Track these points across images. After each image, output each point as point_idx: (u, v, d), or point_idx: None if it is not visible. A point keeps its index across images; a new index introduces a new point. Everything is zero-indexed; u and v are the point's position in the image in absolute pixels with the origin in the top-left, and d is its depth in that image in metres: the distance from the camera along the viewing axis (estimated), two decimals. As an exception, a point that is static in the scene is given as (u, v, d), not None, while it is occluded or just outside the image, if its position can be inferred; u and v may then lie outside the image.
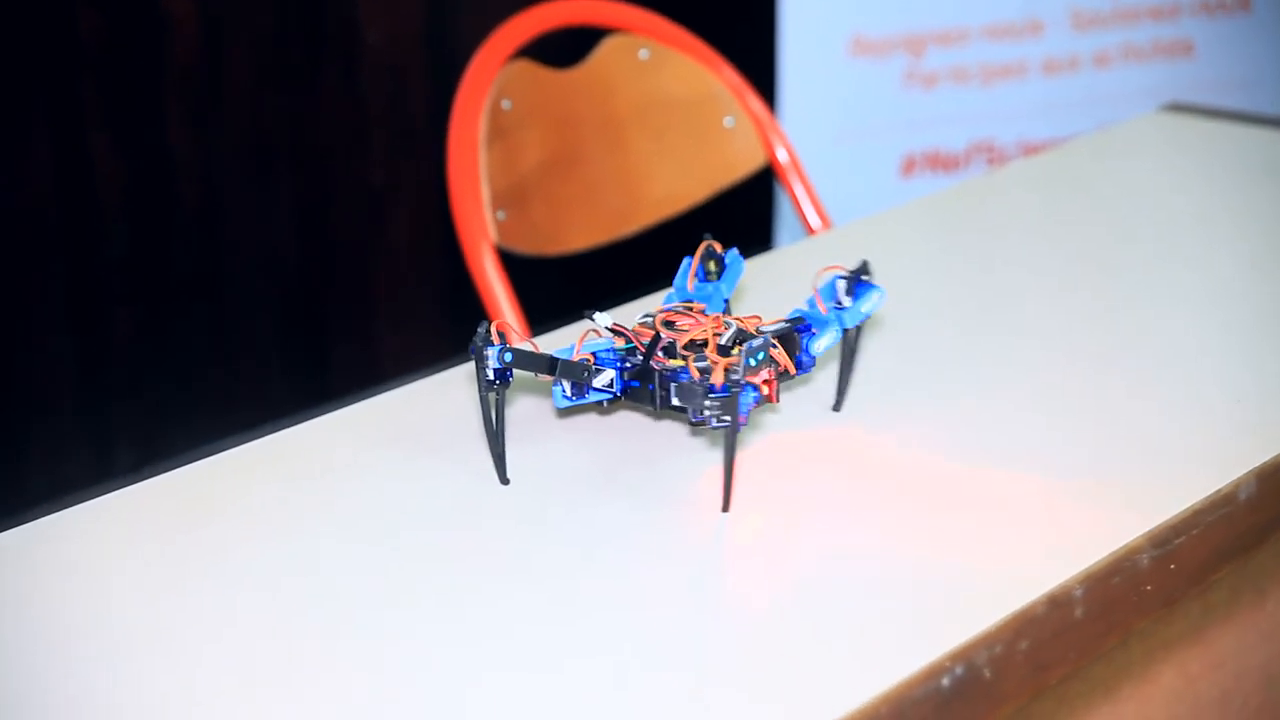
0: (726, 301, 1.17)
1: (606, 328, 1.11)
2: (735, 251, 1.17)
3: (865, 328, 1.32)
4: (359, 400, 1.21)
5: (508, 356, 1.05)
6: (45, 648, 0.94)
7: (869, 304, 1.14)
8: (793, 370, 1.09)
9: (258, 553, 1.02)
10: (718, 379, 1.04)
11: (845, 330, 1.14)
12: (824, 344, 1.11)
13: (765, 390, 1.07)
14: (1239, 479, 1.08)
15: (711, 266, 1.18)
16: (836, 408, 1.17)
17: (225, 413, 2.66)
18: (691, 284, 1.17)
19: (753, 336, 1.09)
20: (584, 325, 1.11)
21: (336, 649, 0.93)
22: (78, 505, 1.08)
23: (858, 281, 1.15)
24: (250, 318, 2.70)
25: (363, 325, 2.81)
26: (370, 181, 2.76)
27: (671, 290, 1.18)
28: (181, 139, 2.57)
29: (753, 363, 1.04)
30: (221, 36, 2.57)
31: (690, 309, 1.12)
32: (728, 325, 1.09)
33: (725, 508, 1.05)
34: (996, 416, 1.19)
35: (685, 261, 1.17)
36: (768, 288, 1.43)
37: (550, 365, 1.07)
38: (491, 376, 1.05)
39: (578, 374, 1.08)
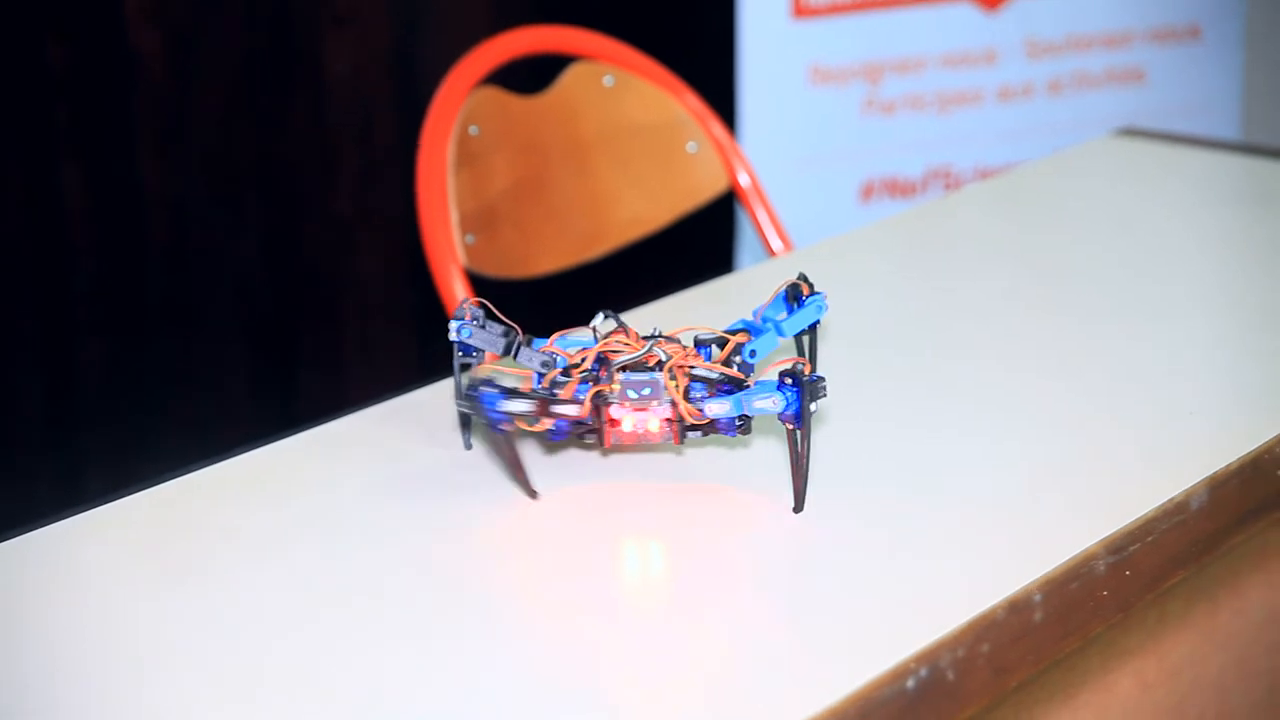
0: (784, 338, 1.15)
1: (608, 328, 1.13)
2: (821, 296, 1.14)
3: (824, 339, 1.36)
4: (327, 421, 1.23)
5: (466, 332, 1.10)
6: (20, 668, 0.96)
7: (809, 314, 1.14)
8: (686, 415, 1.09)
9: (241, 568, 1.05)
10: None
11: (797, 336, 1.16)
12: (761, 348, 1.12)
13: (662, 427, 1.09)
14: (1191, 488, 1.12)
15: (795, 304, 1.16)
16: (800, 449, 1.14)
17: (194, 442, 2.67)
18: (760, 314, 1.16)
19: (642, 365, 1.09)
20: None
21: (326, 663, 0.95)
22: (48, 526, 1.09)
23: (800, 294, 1.16)
24: (219, 347, 2.71)
25: (331, 354, 2.82)
26: (338, 211, 2.78)
27: (748, 316, 1.18)
28: (150, 170, 2.58)
29: (634, 394, 1.07)
30: (189, 68, 2.59)
31: (630, 337, 1.13)
32: (652, 353, 1.11)
33: (799, 508, 1.08)
34: (956, 429, 1.22)
35: (781, 294, 1.16)
36: (729, 308, 1.47)
37: (507, 347, 1.10)
38: (455, 340, 1.09)
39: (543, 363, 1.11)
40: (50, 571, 1.05)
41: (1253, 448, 1.17)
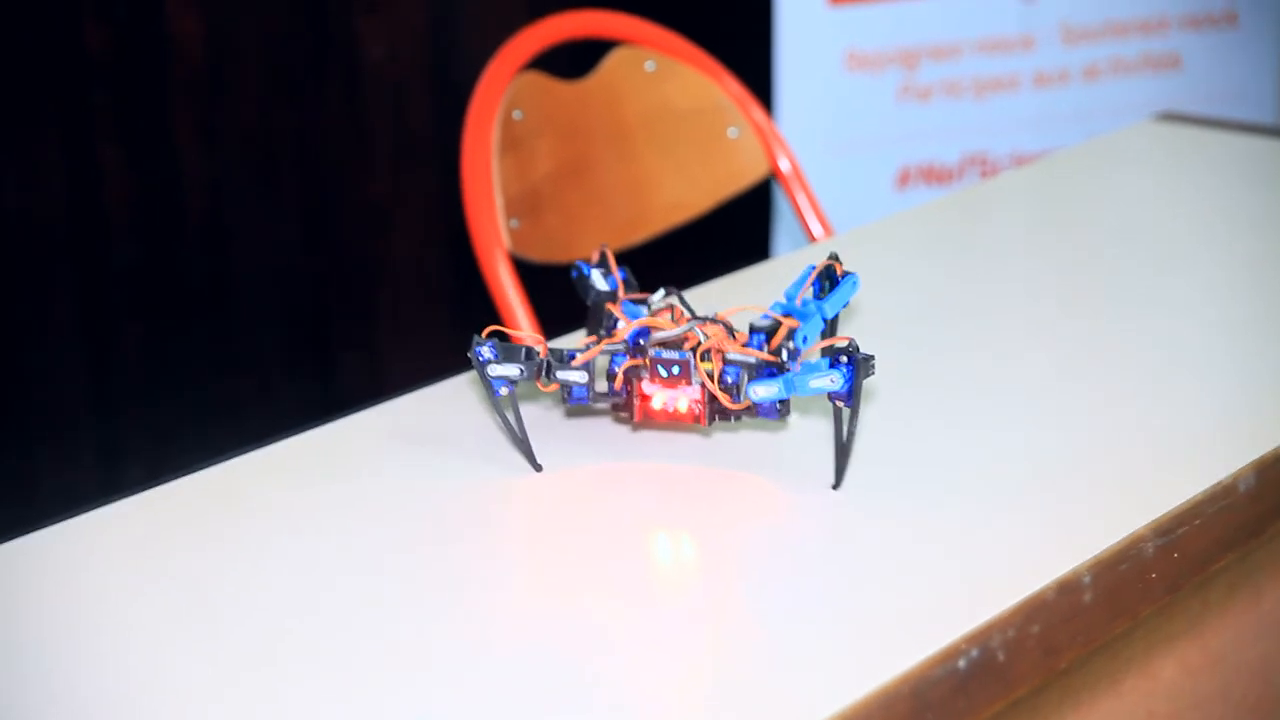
0: (827, 320, 1.16)
1: (661, 305, 1.14)
2: (854, 275, 1.16)
3: (862, 323, 1.36)
4: (366, 408, 1.24)
5: (491, 353, 1.10)
6: (59, 652, 0.97)
7: (846, 292, 1.14)
8: (720, 398, 1.09)
9: (290, 551, 1.06)
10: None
11: (827, 320, 1.15)
12: (810, 332, 1.12)
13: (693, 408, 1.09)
14: (1238, 471, 1.12)
15: (826, 285, 1.17)
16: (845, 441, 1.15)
17: (232, 425, 2.69)
18: (800, 298, 1.16)
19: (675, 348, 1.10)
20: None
21: (380, 648, 0.96)
22: (89, 512, 1.10)
23: (834, 275, 1.16)
24: (256, 330, 2.73)
25: (368, 337, 2.84)
26: (374, 194, 2.79)
27: (780, 299, 1.18)
28: (188, 153, 2.60)
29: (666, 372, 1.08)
30: (227, 52, 2.60)
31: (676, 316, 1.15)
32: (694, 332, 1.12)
33: (838, 484, 1.09)
34: (1002, 414, 1.23)
35: (805, 271, 1.16)
36: (772, 293, 1.47)
37: (540, 369, 1.11)
38: (493, 375, 1.09)
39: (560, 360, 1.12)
40: (92, 556, 1.06)
41: (1299, 432, 1.18)
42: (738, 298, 1.28)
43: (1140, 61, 2.87)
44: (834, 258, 1.17)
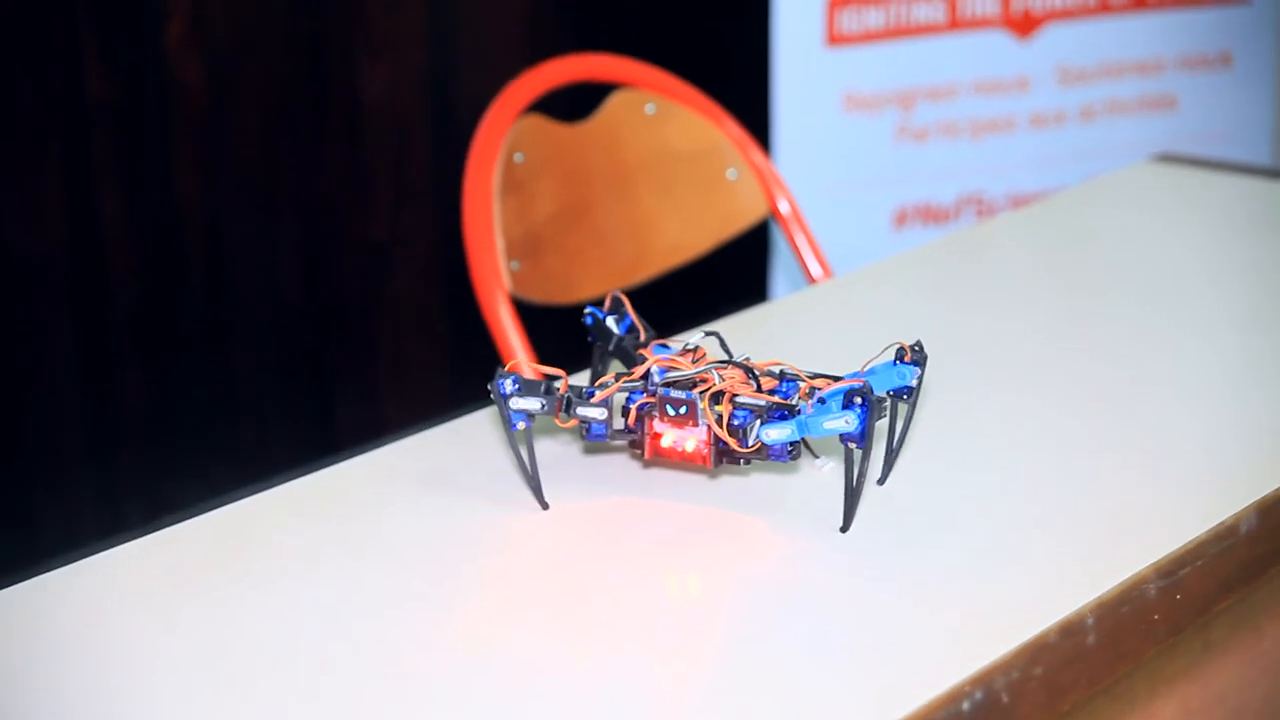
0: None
1: (690, 346, 1.15)
2: (913, 368, 1.13)
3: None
4: (369, 449, 1.25)
5: (516, 387, 1.10)
6: (60, 698, 0.97)
7: (895, 377, 1.12)
8: (728, 441, 1.10)
9: (296, 594, 1.06)
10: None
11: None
12: (776, 435, 1.10)
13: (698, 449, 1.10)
14: (1240, 512, 1.13)
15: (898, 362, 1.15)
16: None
17: (231, 466, 2.69)
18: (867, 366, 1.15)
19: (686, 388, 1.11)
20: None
21: (388, 690, 0.96)
22: (91, 557, 1.09)
23: (903, 356, 1.14)
24: (256, 372, 2.73)
25: (366, 379, 2.84)
26: (373, 236, 2.80)
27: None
28: (189, 196, 2.61)
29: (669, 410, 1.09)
30: (227, 96, 2.61)
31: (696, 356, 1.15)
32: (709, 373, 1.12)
33: (846, 527, 1.09)
34: (1004, 456, 1.23)
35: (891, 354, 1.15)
36: (772, 333, 1.48)
37: (563, 404, 1.12)
38: (514, 409, 1.10)
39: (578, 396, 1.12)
40: (97, 601, 1.06)
41: (1300, 472, 1.18)
42: (737, 339, 1.29)
43: (1136, 102, 2.88)
44: (915, 345, 1.15)
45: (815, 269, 1.82)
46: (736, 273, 2.67)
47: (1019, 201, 2.83)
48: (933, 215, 2.83)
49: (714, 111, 1.83)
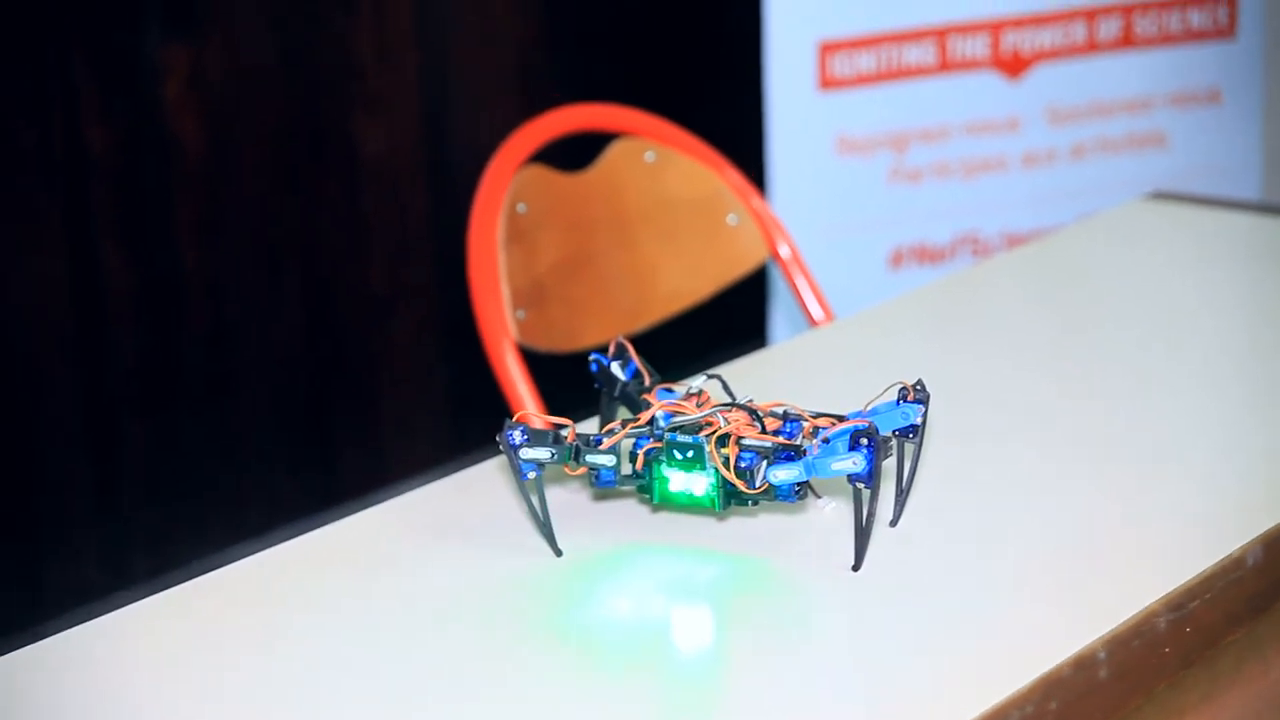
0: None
1: (694, 390, 1.17)
2: (916, 406, 1.15)
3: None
4: (371, 504, 1.25)
5: (525, 437, 1.12)
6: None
7: (898, 417, 1.14)
8: (735, 483, 1.11)
9: (307, 648, 1.07)
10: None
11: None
12: (783, 476, 1.12)
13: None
14: (1247, 545, 1.14)
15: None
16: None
17: (235, 520, 2.70)
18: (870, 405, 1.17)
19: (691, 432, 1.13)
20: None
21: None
22: (100, 618, 1.10)
23: (905, 396, 1.16)
24: (258, 424, 2.74)
25: (368, 430, 2.85)
26: (373, 287, 2.82)
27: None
28: (189, 250, 2.63)
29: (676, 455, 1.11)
30: (226, 151, 2.64)
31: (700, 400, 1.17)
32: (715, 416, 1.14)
33: (858, 566, 1.11)
34: (1012, 494, 1.24)
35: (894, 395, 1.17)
36: (772, 376, 1.50)
37: (570, 453, 1.13)
38: (524, 459, 1.11)
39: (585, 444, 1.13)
40: (106, 663, 1.06)
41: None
42: (740, 382, 1.30)
43: (1126, 140, 2.91)
44: (917, 384, 1.16)
45: (816, 312, 1.84)
46: (737, 317, 2.69)
47: (1013, 240, 2.85)
48: (928, 255, 2.85)
49: (713, 158, 1.85)
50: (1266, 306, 1.71)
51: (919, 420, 1.15)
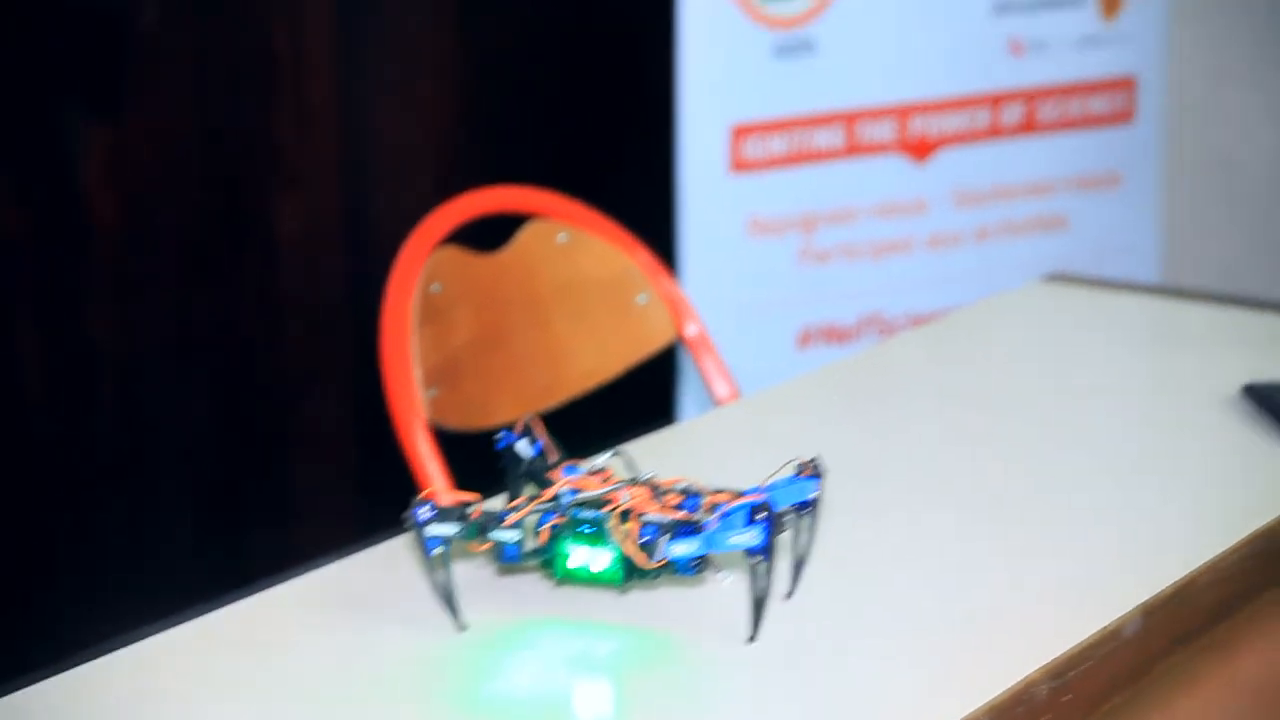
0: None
1: (600, 467, 1.21)
2: (815, 480, 1.20)
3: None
4: (285, 579, 1.28)
5: (431, 514, 1.15)
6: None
7: (796, 492, 1.19)
8: (635, 558, 1.15)
9: None
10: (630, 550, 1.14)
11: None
12: (682, 550, 1.16)
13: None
14: (1125, 615, 1.19)
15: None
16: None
17: (144, 600, 2.69)
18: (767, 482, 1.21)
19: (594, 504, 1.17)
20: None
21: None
22: (2, 699, 1.10)
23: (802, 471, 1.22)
24: (169, 506, 2.75)
25: (280, 509, 2.86)
26: (286, 367, 2.84)
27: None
28: (104, 330, 2.64)
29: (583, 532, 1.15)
30: (143, 230, 2.66)
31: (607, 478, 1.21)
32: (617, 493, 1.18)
33: (753, 637, 1.14)
34: (902, 568, 1.29)
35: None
36: (678, 454, 1.54)
37: (477, 529, 1.17)
38: (430, 535, 1.15)
39: (491, 522, 1.17)
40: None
41: (1182, 575, 1.25)
42: (647, 459, 1.34)
43: (1029, 222, 2.99)
44: (812, 461, 1.21)
45: (723, 390, 1.88)
46: (647, 395, 2.73)
47: (918, 321, 2.92)
48: (835, 335, 2.91)
49: (625, 239, 1.90)
50: (1157, 385, 1.78)
51: (814, 495, 1.20)
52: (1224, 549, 1.30)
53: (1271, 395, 1.57)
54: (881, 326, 2.92)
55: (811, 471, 1.20)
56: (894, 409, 1.70)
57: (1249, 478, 1.46)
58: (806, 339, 2.89)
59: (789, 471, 1.21)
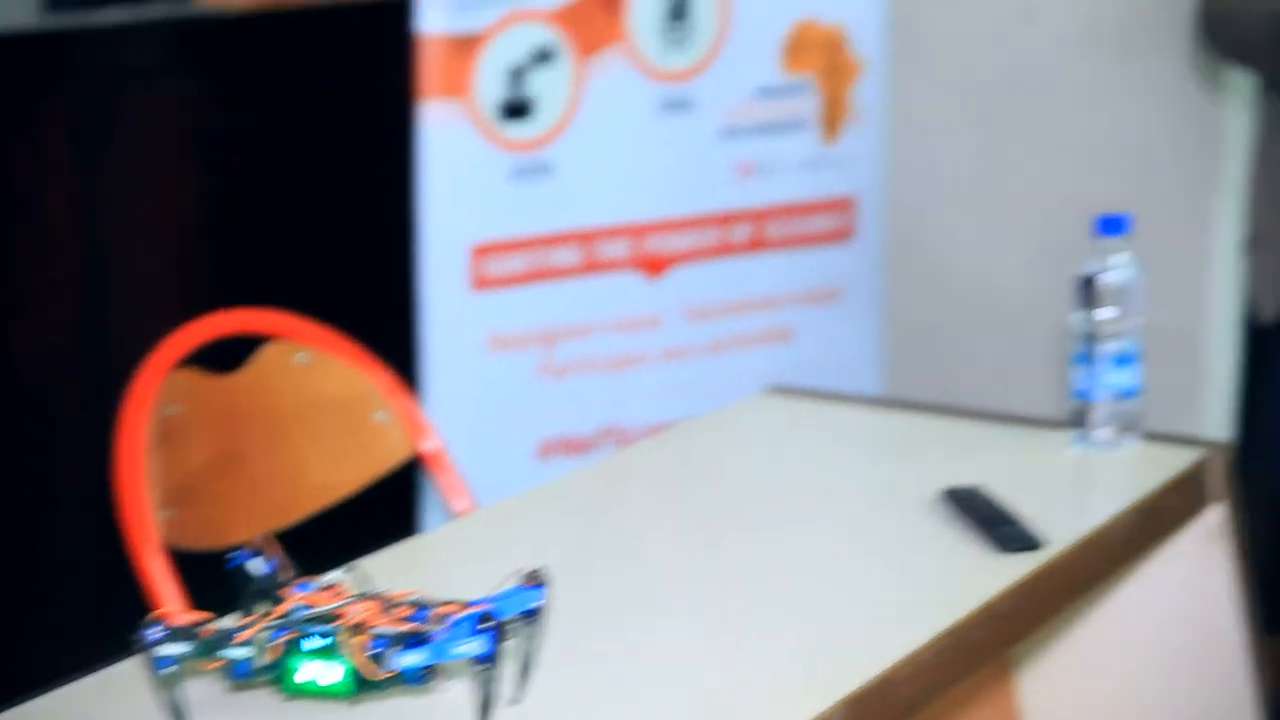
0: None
1: (333, 582, 1.26)
2: (539, 590, 1.27)
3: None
4: (18, 704, 1.29)
5: (162, 634, 1.19)
6: None
7: (519, 602, 1.27)
8: (364, 670, 1.20)
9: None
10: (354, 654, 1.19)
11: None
12: (410, 661, 1.21)
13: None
14: (829, 709, 1.28)
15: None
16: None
17: None
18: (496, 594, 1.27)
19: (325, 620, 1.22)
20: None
21: None
22: None
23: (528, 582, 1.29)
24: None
25: (13, 635, 2.81)
26: (21, 490, 2.80)
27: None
28: None
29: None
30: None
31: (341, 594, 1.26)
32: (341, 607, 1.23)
33: None
34: (626, 669, 1.36)
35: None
36: (420, 569, 1.59)
37: (208, 646, 1.21)
38: (160, 655, 1.18)
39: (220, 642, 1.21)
40: None
41: (884, 668, 1.35)
42: (385, 573, 1.39)
43: (757, 336, 3.12)
44: (535, 572, 1.29)
45: (460, 503, 1.94)
46: (388, 510, 2.76)
47: (654, 432, 3.01)
48: (574, 447, 2.99)
49: (362, 359, 1.95)
50: (867, 490, 1.88)
51: (538, 604, 1.26)
52: (922, 643, 1.40)
53: (968, 498, 1.69)
54: (620, 437, 3.00)
55: (535, 581, 1.27)
56: (627, 516, 1.78)
57: (946, 575, 1.57)
58: (547, 451, 2.96)
59: (514, 582, 1.27)
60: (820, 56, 3.08)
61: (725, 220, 3.07)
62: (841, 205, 3.17)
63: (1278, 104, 2.07)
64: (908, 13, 3.23)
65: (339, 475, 1.94)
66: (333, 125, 3.08)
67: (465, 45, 2.78)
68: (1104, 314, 1.84)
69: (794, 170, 3.11)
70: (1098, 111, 3.10)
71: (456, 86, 2.79)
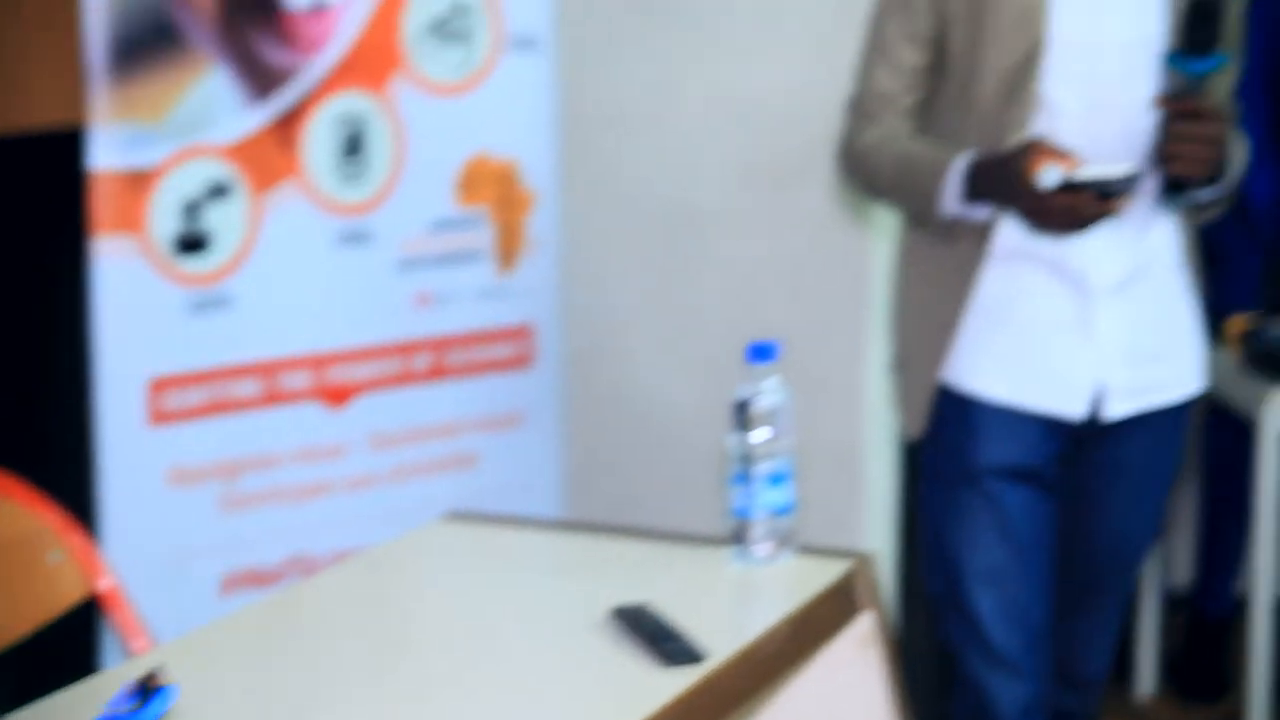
0: None
1: None
2: (169, 689, 1.30)
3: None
4: None
5: None
6: None
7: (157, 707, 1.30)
8: None
9: None
10: None
11: None
12: None
13: None
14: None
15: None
16: None
17: None
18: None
19: None
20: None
21: None
22: None
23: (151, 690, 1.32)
24: None
25: None
26: None
27: None
28: None
29: None
30: None
31: None
32: None
33: None
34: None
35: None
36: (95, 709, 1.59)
37: None
38: None
39: None
40: None
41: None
42: (64, 715, 1.39)
43: (441, 463, 3.18)
44: (153, 673, 1.31)
45: (138, 642, 1.94)
46: (68, 651, 2.71)
47: (340, 559, 3.03)
48: (260, 579, 2.98)
49: (31, 499, 1.94)
50: (540, 612, 1.95)
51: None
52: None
53: (635, 616, 1.78)
54: (307, 567, 3.01)
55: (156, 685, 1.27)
56: (305, 645, 1.81)
57: (615, 692, 1.65)
58: (231, 584, 2.95)
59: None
60: (493, 189, 3.18)
61: (406, 349, 3.13)
62: (520, 333, 3.26)
63: (912, 234, 2.24)
64: (579, 146, 3.36)
65: (11, 618, 1.91)
66: (1, 259, 3.04)
67: (138, 180, 2.79)
68: (758, 436, 1.96)
69: (472, 300, 3.19)
70: (757, 240, 3.27)
71: (130, 221, 2.79)
